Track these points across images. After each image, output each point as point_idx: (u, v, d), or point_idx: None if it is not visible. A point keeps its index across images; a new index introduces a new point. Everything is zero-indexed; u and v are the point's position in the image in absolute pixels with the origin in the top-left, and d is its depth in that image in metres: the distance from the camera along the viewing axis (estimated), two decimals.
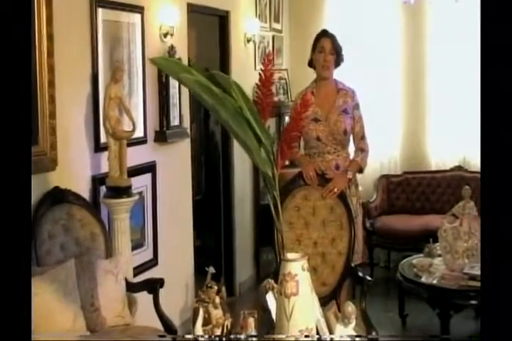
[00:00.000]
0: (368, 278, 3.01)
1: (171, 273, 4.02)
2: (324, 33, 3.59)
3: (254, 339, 1.75)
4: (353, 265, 3.16)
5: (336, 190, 3.21)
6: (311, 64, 3.65)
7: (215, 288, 1.89)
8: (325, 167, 3.46)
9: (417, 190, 5.75)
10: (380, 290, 5.31)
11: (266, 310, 1.97)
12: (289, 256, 1.83)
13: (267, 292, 2.01)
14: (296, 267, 1.79)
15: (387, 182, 5.79)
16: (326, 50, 3.52)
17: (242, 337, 1.70)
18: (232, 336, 1.80)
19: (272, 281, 2.06)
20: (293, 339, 1.73)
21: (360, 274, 3.04)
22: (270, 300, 2.01)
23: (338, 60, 3.57)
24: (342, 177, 3.38)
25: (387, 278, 5.50)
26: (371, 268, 5.52)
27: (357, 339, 1.87)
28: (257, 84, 1.80)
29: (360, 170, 3.61)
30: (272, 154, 1.81)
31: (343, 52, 3.61)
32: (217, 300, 1.81)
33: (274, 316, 1.86)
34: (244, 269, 5.26)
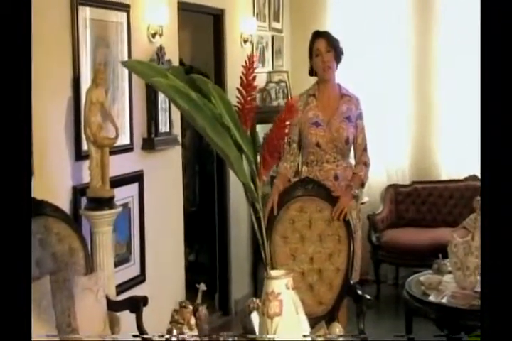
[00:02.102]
0: (368, 296, 2.99)
1: (159, 290, 4.02)
2: (316, 35, 3.62)
3: (230, 339, 1.74)
4: (351, 282, 3.15)
5: (345, 209, 3.21)
6: (311, 72, 3.67)
7: (190, 307, 1.89)
8: (323, 177, 3.47)
9: (427, 201, 5.73)
10: (388, 310, 5.30)
11: (250, 331, 1.97)
12: (273, 273, 1.83)
13: (251, 312, 2.01)
14: (280, 285, 1.78)
15: (395, 193, 5.77)
16: (321, 51, 3.54)
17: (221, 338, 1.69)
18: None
19: (256, 300, 2.05)
20: (278, 339, 1.72)
21: (359, 292, 3.02)
22: (255, 320, 2.00)
23: (338, 54, 3.60)
24: (348, 195, 3.38)
25: (395, 296, 5.47)
26: (377, 285, 5.50)
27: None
28: (238, 88, 1.81)
29: (362, 185, 3.60)
30: (254, 164, 1.81)
31: (341, 45, 3.65)
32: (193, 321, 1.81)
33: None
34: (240, 286, 5.25)
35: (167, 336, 1.68)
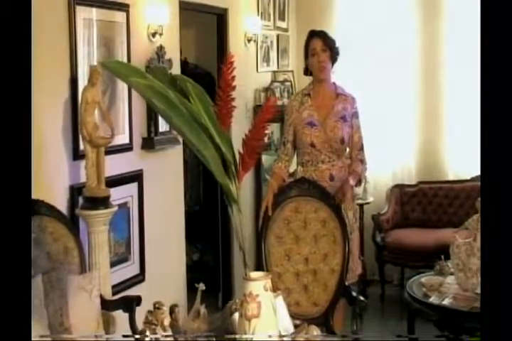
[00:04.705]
0: (362, 298, 2.97)
1: (160, 289, 4.01)
2: (312, 34, 3.59)
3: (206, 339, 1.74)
4: (347, 283, 3.12)
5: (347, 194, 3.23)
6: (306, 71, 3.65)
7: (164, 309, 1.88)
8: (318, 177, 3.44)
9: (433, 202, 5.67)
10: (392, 310, 5.25)
11: (232, 332, 1.95)
12: (252, 275, 1.82)
13: (232, 313, 2.00)
14: (258, 287, 1.78)
15: (401, 193, 5.72)
16: (317, 50, 3.51)
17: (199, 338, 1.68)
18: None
19: (239, 301, 2.03)
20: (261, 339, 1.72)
21: (354, 294, 3.00)
22: (236, 321, 1.99)
23: (333, 54, 3.56)
24: (349, 184, 3.37)
25: (400, 296, 5.42)
26: (382, 286, 5.47)
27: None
28: (217, 88, 1.79)
29: (359, 182, 3.57)
30: (233, 165, 1.80)
31: (337, 45, 3.61)
32: (166, 322, 1.80)
33: None
34: (243, 285, 5.23)
35: (137, 336, 1.67)
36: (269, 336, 1.66)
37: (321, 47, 3.51)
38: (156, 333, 1.76)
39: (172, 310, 1.93)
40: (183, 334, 1.85)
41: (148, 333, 1.76)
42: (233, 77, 1.79)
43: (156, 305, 1.91)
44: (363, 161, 3.57)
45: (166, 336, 1.74)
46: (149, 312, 1.88)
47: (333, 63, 3.57)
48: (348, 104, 3.56)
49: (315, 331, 1.82)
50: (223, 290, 5.16)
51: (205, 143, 1.73)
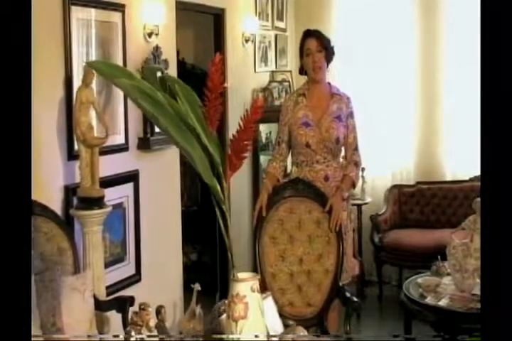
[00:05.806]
0: (355, 298, 2.97)
1: (156, 289, 4.02)
2: (307, 34, 3.58)
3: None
4: (341, 284, 3.12)
5: (340, 216, 3.18)
6: (301, 71, 3.64)
7: (149, 310, 1.88)
8: (313, 177, 3.44)
9: (431, 202, 5.66)
10: (390, 311, 5.24)
11: (219, 334, 1.95)
12: (240, 275, 1.81)
13: (220, 314, 1.99)
14: (245, 288, 1.77)
15: (399, 193, 5.71)
16: (312, 50, 3.50)
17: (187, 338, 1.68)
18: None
19: (227, 302, 2.03)
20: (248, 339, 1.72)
21: (348, 295, 3.00)
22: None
23: (328, 54, 3.55)
24: (339, 201, 3.31)
25: (398, 297, 5.41)
26: (380, 286, 5.46)
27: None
28: (204, 88, 1.79)
29: (353, 186, 3.56)
30: (221, 165, 1.80)
31: (332, 44, 3.60)
32: (152, 323, 1.80)
33: None
34: None
35: (121, 337, 1.67)
36: (256, 336, 1.66)
37: (316, 47, 3.50)
38: (141, 334, 1.76)
39: (158, 311, 1.93)
40: (179, 334, 1.85)
41: (133, 334, 1.76)
42: (220, 77, 1.78)
43: (142, 306, 1.90)
44: (357, 163, 3.55)
45: (151, 336, 1.74)
46: (135, 313, 1.88)
47: (328, 63, 3.56)
48: (343, 103, 3.55)
49: (301, 331, 1.82)
50: (221, 290, 5.15)
51: (192, 143, 1.73)
